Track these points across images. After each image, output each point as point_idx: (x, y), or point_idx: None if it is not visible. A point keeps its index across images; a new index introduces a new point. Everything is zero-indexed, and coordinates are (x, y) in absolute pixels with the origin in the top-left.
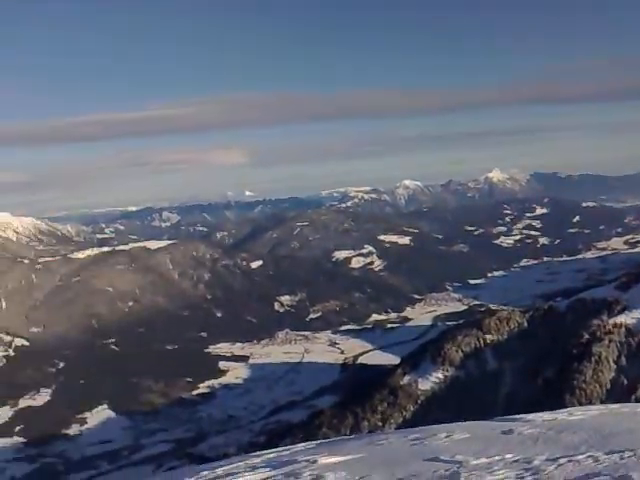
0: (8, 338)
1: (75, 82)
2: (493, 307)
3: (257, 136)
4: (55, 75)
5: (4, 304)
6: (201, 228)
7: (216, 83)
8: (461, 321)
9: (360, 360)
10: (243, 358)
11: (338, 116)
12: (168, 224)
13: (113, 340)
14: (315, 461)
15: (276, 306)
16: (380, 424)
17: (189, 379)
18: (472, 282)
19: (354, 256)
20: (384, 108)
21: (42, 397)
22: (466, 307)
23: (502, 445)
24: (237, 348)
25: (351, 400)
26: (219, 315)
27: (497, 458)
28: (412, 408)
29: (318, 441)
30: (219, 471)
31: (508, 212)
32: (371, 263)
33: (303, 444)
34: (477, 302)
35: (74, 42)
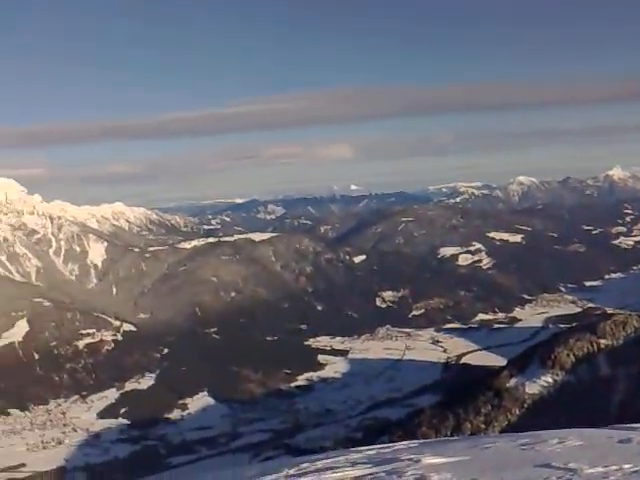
0: (117, 323)
1: (186, 78)
2: (609, 311)
3: (365, 130)
4: (167, 70)
5: (115, 290)
6: (305, 221)
7: (325, 77)
8: (574, 324)
9: (464, 360)
10: (342, 352)
11: (448, 109)
12: (273, 217)
13: (215, 329)
14: (418, 460)
15: (378, 302)
16: (483, 426)
17: (288, 371)
18: (588, 284)
19: (461, 253)
20: (496, 102)
21: (146, 381)
22: (580, 310)
23: (619, 454)
24: (337, 342)
25: (453, 400)
26: (320, 308)
27: (614, 468)
28: (518, 412)
29: (421, 440)
30: (319, 464)
31: (629, 212)
32: (479, 261)
33: (405, 442)
34: (592, 305)
35: (182, 38)
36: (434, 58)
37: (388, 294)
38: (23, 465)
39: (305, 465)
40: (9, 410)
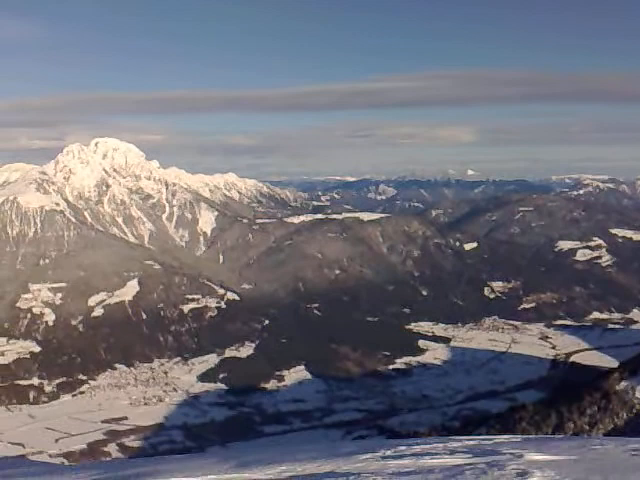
0: (222, 291)
1: (311, 53)
2: None
3: (488, 114)
4: (292, 44)
5: (221, 259)
6: (417, 204)
7: (451, 59)
8: None
9: (573, 358)
10: (444, 339)
11: (577, 98)
12: (383, 197)
13: (317, 305)
14: (521, 455)
15: (486, 291)
16: (587, 428)
17: (387, 353)
18: None
19: (580, 248)
20: (628, 92)
21: (246, 350)
22: None
23: None
24: (439, 329)
25: (557, 398)
26: (425, 293)
27: None
28: (625, 416)
29: (524, 436)
30: (417, 449)
31: None
32: (599, 257)
33: (506, 436)
34: None
35: (312, 12)
36: (569, 44)
37: (498, 284)
38: (125, 418)
39: (402, 448)
40: (116, 365)
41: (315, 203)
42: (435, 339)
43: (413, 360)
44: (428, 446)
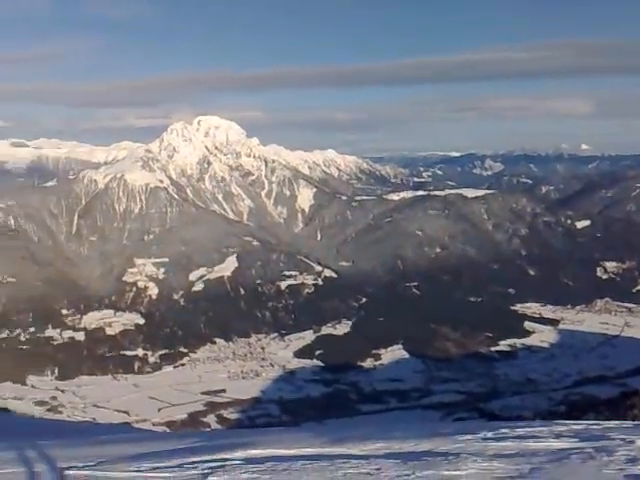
0: (319, 268)
1: (417, 26)
2: None
3: (604, 85)
4: (396, 18)
5: (319, 236)
6: (525, 180)
7: (563, 29)
8: None
9: None
10: (552, 322)
11: None
12: (489, 173)
13: (416, 284)
14: (632, 442)
15: (599, 272)
16: None
17: (489, 334)
18: None
19: None
20: None
21: (342, 327)
22: None
23: None
24: (547, 310)
25: None
26: (532, 273)
27: None
28: None
29: (636, 422)
30: (520, 432)
31: None
32: None
33: (616, 422)
34: None
35: None
36: None
37: (611, 265)
38: (223, 391)
39: (505, 430)
40: (215, 339)
41: (416, 179)
42: (542, 321)
43: (518, 342)
44: (532, 429)
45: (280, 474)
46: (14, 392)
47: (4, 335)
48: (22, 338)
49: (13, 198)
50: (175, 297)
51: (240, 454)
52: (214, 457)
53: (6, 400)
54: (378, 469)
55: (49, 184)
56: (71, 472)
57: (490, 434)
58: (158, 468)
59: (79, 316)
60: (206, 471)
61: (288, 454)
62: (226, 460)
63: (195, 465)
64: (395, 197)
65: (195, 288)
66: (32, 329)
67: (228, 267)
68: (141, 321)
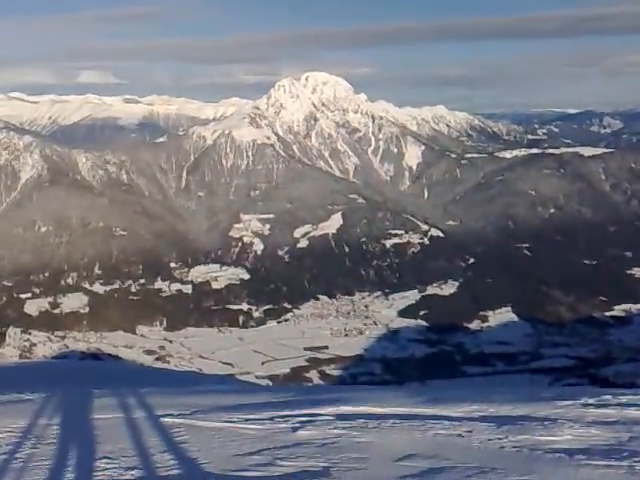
0: (425, 227)
1: None
2: None
3: None
4: None
5: (426, 194)
6: None
7: None
8: None
9: None
10: None
11: None
12: (608, 131)
13: (527, 245)
14: None
15: None
16: None
17: (603, 298)
18: None
19: None
20: None
21: (448, 288)
22: None
23: None
24: None
25: None
26: None
27: None
28: None
29: None
30: (623, 399)
31: None
32: None
33: None
34: None
35: None
36: None
37: None
38: (326, 347)
39: (607, 397)
40: (319, 296)
41: (530, 137)
42: None
43: (634, 308)
44: (636, 397)
45: (370, 431)
46: (125, 341)
47: (116, 286)
48: (132, 289)
49: (126, 154)
50: (280, 253)
51: (332, 410)
52: (306, 412)
53: (117, 348)
54: (469, 431)
55: (159, 140)
56: (167, 420)
57: (591, 400)
58: (249, 420)
59: (186, 269)
60: (296, 425)
61: (380, 412)
62: (317, 415)
63: (286, 419)
64: (507, 155)
65: (300, 245)
66: (142, 280)
67: (333, 224)
68: (246, 276)
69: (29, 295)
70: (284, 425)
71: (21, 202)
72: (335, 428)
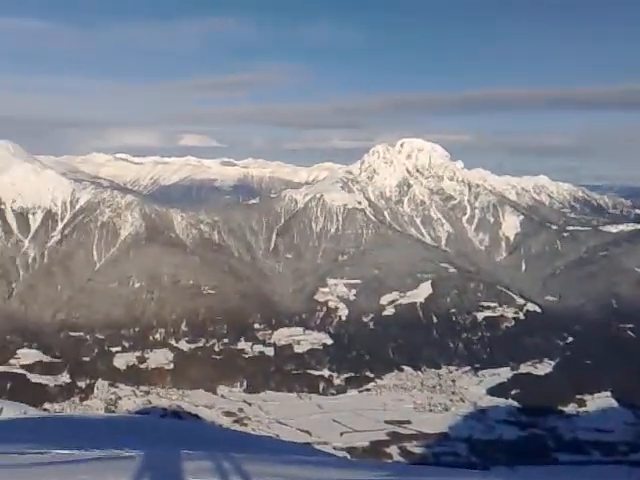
0: (521, 301)
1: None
2: None
3: None
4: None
5: (524, 267)
6: None
7: None
8: None
9: None
10: None
11: None
12: None
13: (631, 325)
14: None
15: None
16: None
17: None
18: None
19: None
20: None
21: (544, 367)
22: None
23: None
24: None
25: None
26: None
27: None
28: None
29: None
30: None
31: None
32: None
33: None
34: None
35: None
36: None
37: None
38: (409, 422)
39: None
40: (403, 366)
41: (638, 211)
42: None
43: None
44: None
45: None
46: (205, 399)
47: (200, 344)
48: (216, 348)
49: (219, 214)
50: (365, 320)
51: None
52: None
53: (198, 407)
54: None
55: (252, 202)
56: None
57: None
58: None
59: (270, 331)
60: None
61: None
62: None
63: None
64: (613, 229)
65: (386, 312)
66: (226, 340)
67: (421, 293)
68: (329, 341)
69: (119, 349)
70: None
71: (118, 258)
72: None
